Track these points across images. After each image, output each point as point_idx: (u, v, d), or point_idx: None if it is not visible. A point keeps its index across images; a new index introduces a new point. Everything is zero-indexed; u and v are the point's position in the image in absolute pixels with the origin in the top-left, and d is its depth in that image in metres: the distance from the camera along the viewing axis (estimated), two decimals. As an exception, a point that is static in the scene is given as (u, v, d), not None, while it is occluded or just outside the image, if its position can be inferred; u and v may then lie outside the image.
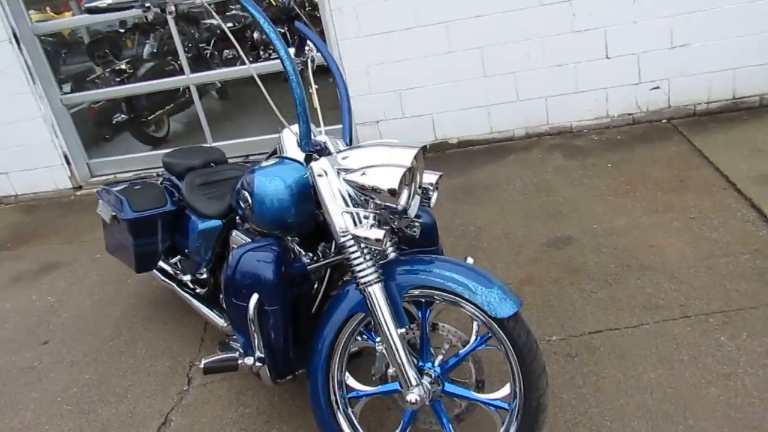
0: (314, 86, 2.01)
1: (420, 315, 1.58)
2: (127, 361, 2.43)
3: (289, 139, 1.72)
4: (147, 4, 1.35)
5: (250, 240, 1.80)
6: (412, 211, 1.57)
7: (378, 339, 1.52)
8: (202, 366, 1.53)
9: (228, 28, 6.57)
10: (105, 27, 5.94)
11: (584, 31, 3.65)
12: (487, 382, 1.65)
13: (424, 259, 1.55)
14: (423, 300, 1.54)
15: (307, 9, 5.62)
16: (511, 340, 1.44)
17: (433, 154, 4.08)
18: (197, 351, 2.40)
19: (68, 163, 4.52)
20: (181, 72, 4.48)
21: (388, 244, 1.57)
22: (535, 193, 3.23)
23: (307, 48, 1.96)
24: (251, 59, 6.11)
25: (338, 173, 1.51)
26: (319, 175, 1.52)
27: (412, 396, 1.45)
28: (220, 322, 2.08)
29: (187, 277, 2.26)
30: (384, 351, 1.50)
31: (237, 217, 1.94)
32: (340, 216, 1.49)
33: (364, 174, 1.46)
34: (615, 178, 3.20)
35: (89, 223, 3.74)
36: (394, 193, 1.40)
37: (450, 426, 1.57)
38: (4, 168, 4.56)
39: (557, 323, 2.18)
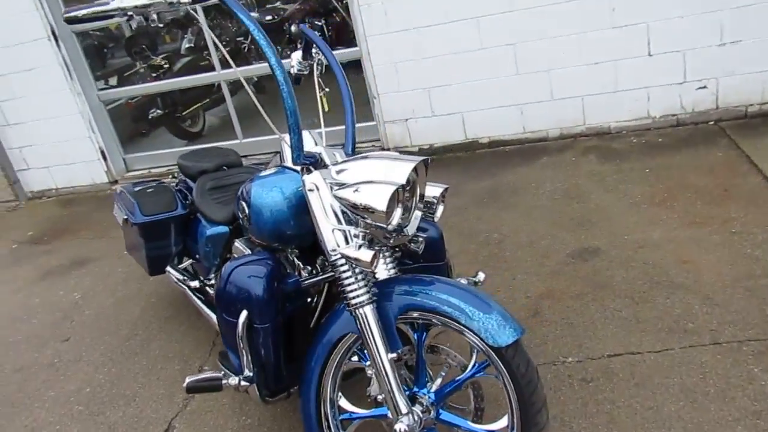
0: (325, 89, 1.95)
1: (416, 338, 1.50)
2: (140, 362, 2.44)
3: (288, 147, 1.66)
4: (129, 13, 1.31)
5: (250, 251, 1.76)
6: (411, 228, 1.48)
7: (368, 363, 1.45)
8: (184, 385, 1.49)
9: (267, 21, 6.53)
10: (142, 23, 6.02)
11: (624, 27, 3.44)
12: (488, 409, 1.55)
13: (424, 279, 1.46)
14: (420, 322, 1.46)
15: (343, 2, 5.55)
16: (510, 371, 1.35)
17: (463, 154, 3.96)
18: (207, 355, 2.40)
19: (104, 158, 4.63)
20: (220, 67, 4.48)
21: (382, 263, 1.49)
22: (566, 198, 3.07)
23: (314, 51, 1.90)
24: (288, 52, 6.08)
25: (331, 188, 1.44)
26: (310, 190, 1.45)
27: (401, 425, 1.37)
28: (226, 329, 2.05)
29: (194, 283, 2.25)
30: (374, 375, 1.43)
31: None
32: (330, 233, 1.42)
33: (356, 191, 1.38)
34: (652, 185, 3.00)
35: (119, 218, 3.82)
36: (383, 213, 1.32)
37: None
38: (46, 162, 4.71)
39: (575, 343, 2.05)
